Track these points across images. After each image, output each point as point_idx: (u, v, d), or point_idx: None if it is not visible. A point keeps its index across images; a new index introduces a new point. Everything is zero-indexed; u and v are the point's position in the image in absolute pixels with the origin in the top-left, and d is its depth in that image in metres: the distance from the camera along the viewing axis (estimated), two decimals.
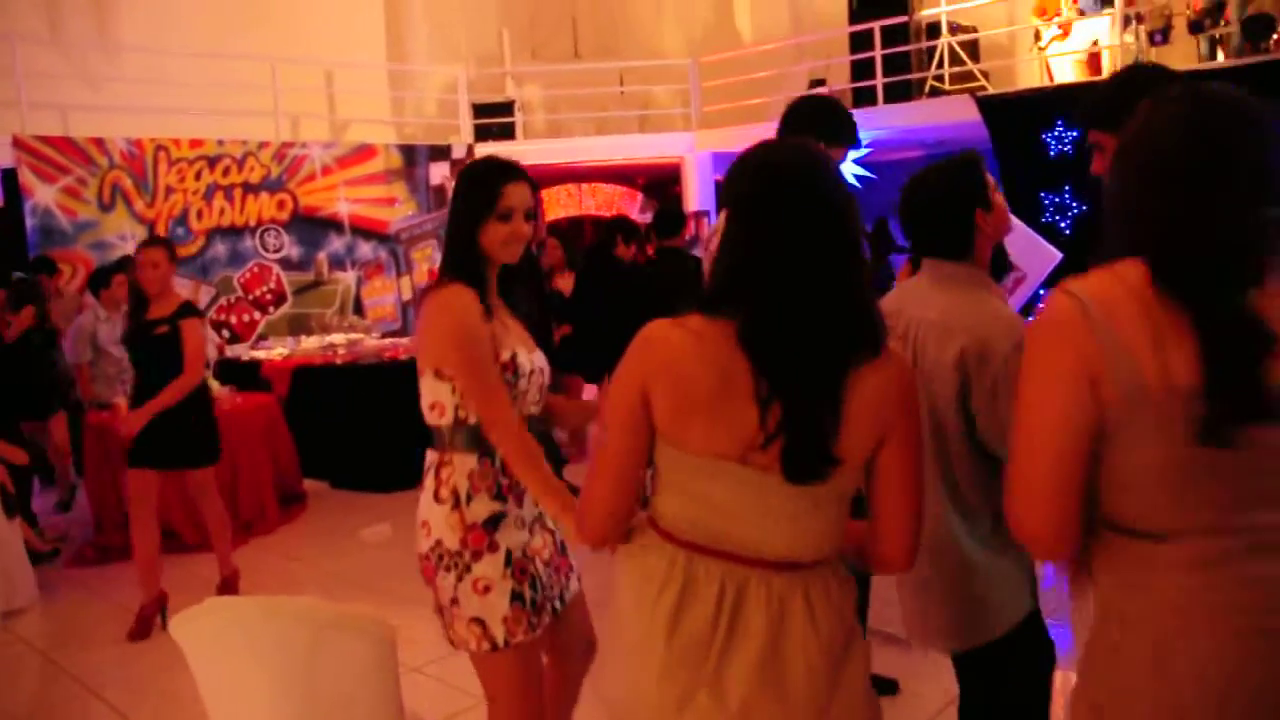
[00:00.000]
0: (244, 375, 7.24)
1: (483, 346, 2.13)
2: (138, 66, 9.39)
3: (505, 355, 2.18)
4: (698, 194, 11.80)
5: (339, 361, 7.18)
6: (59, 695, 3.97)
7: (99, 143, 8.58)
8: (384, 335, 8.90)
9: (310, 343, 8.07)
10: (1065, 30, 9.81)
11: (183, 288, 8.67)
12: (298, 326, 9.46)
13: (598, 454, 1.59)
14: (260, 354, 7.77)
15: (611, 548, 1.63)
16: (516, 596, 2.14)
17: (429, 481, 2.23)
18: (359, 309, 10.06)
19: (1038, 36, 10.07)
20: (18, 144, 8.14)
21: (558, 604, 2.29)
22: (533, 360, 2.26)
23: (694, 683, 1.49)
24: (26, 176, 8.19)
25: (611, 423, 1.56)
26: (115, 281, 6.35)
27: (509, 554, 2.16)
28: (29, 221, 8.17)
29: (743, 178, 1.51)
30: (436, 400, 2.22)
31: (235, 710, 2.11)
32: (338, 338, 8.10)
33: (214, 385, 5.98)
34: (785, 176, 1.46)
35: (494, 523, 2.16)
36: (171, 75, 9.29)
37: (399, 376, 6.94)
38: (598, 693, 1.71)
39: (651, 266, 5.71)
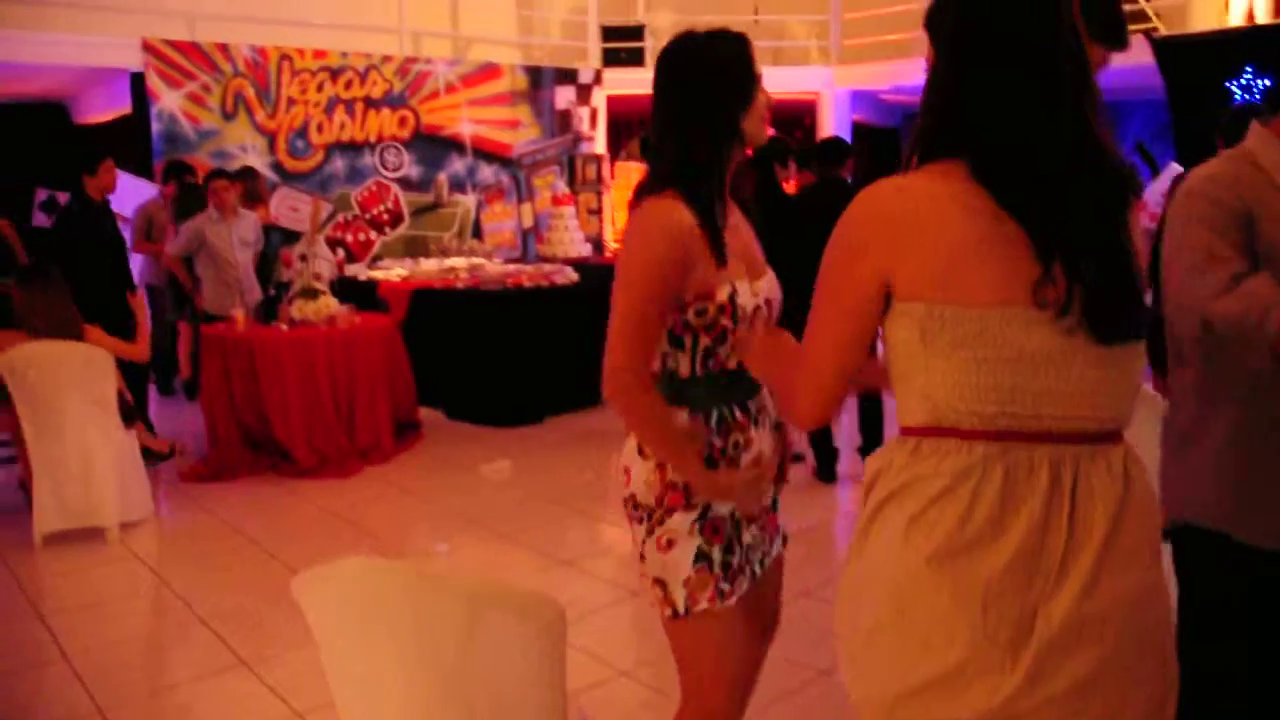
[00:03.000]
0: (361, 295, 6.97)
1: (657, 284, 1.75)
2: None
3: (723, 294, 1.77)
4: (834, 133, 11.10)
5: (460, 286, 6.83)
6: (167, 620, 3.79)
7: (224, 49, 8.36)
8: (506, 261, 8.53)
9: (429, 265, 7.74)
10: None
11: (300, 202, 8.52)
12: (414, 248, 9.18)
13: (814, 320, 1.34)
14: (378, 274, 7.48)
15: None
16: (702, 557, 1.83)
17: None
18: (478, 233, 9.73)
19: None
20: (147, 48, 7.97)
21: (757, 568, 1.94)
22: (758, 293, 1.84)
23: (1027, 608, 1.19)
24: (153, 81, 8.02)
25: (828, 306, 1.32)
26: (214, 186, 6.13)
27: (704, 510, 1.82)
28: (154, 126, 8.03)
29: (966, 3, 1.29)
30: None
31: (365, 690, 1.74)
32: (458, 261, 7.75)
33: (332, 304, 5.71)
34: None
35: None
36: None
37: (523, 305, 6.58)
38: (862, 696, 1.31)
39: (811, 196, 5.17)
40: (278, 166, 8.60)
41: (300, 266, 6.12)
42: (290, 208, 8.52)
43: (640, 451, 1.84)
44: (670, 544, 1.81)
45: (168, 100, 8.08)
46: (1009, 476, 1.22)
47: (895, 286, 1.25)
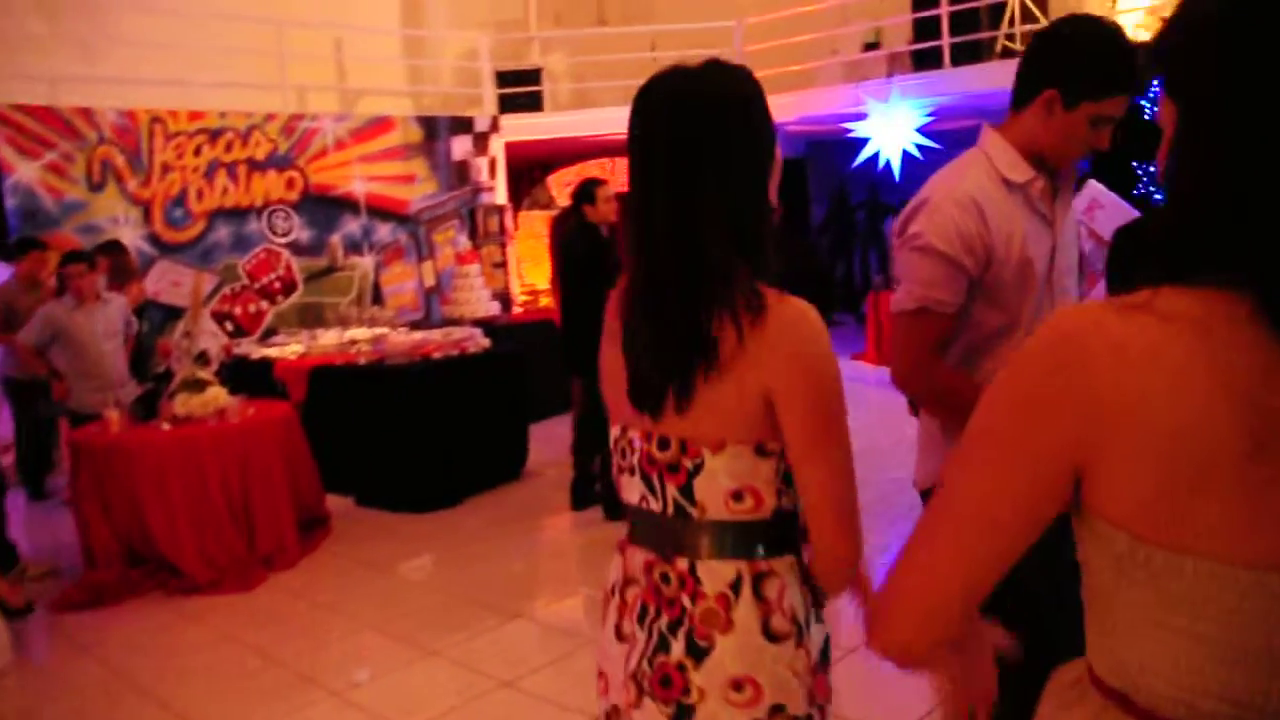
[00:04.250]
0: (255, 376, 6.37)
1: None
2: (131, 28, 8.45)
3: None
4: None
5: (363, 361, 6.28)
6: None
7: (86, 114, 7.66)
8: (411, 327, 7.97)
9: (329, 338, 7.15)
10: None
11: (182, 276, 7.84)
12: (310, 317, 8.56)
13: (938, 510, 0.90)
14: (273, 352, 6.86)
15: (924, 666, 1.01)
16: None
17: (744, 612, 1.32)
18: (378, 297, 9.15)
19: None
20: None
21: None
22: None
23: None
24: (5, 152, 7.28)
25: (974, 484, 0.87)
26: (67, 272, 5.46)
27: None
28: (9, 201, 7.27)
29: (1231, 40, 0.79)
30: (751, 484, 1.33)
31: None
32: (359, 332, 7.18)
33: (221, 395, 5.11)
34: None
35: (827, 654, 1.41)
36: (168, 38, 8.37)
37: (432, 379, 6.06)
38: None
39: None
40: (155, 239, 7.91)
41: (185, 345, 5.48)
42: (172, 282, 7.82)
43: (771, 633, 1.31)
44: None
45: (24, 172, 7.34)
46: None
47: (1089, 488, 0.82)
